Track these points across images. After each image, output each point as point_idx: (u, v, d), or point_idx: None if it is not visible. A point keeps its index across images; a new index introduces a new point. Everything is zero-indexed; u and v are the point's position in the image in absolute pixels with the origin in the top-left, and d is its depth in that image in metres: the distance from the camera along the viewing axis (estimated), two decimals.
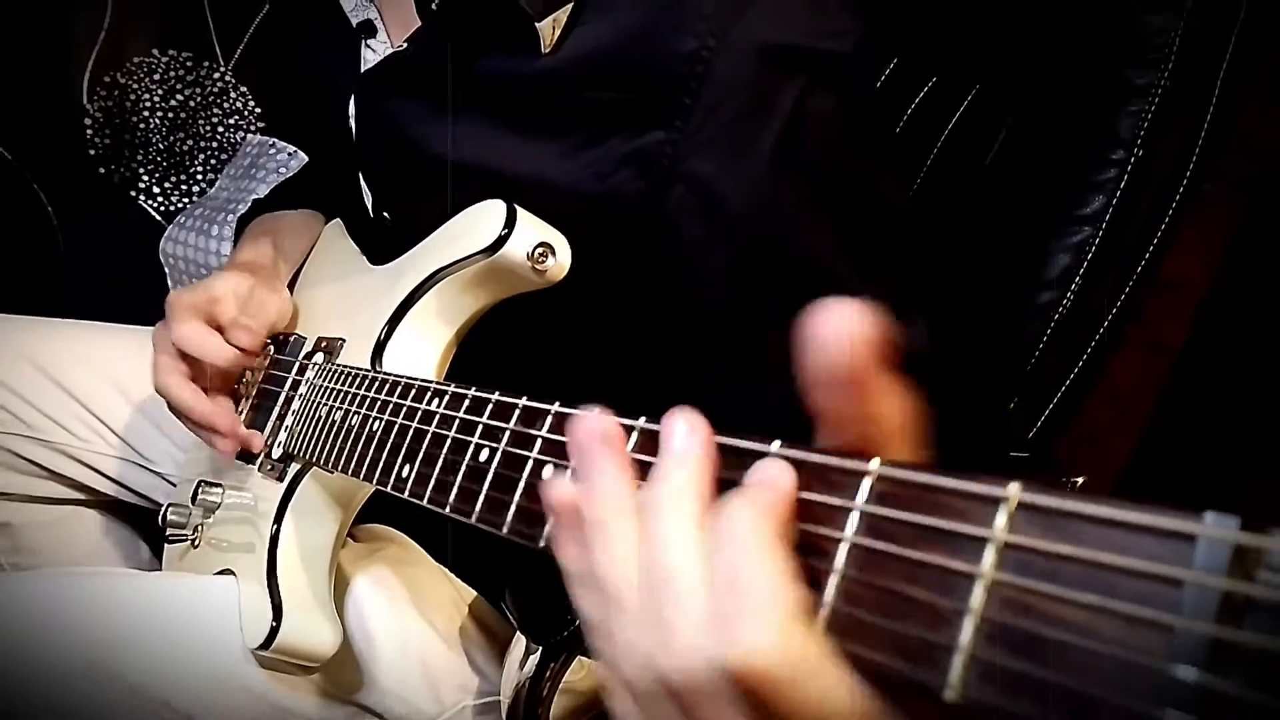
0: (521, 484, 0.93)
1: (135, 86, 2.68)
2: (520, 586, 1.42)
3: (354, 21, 1.56)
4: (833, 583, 0.63)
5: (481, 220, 1.38)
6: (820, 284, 1.31)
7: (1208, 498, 0.49)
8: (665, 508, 0.69)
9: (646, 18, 1.25)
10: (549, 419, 0.93)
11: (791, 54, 1.22)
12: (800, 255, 1.29)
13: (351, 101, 1.61)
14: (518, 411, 0.98)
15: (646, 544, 0.69)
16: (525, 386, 0.99)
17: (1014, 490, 0.55)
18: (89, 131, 2.66)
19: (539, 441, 0.93)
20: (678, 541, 0.67)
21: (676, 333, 1.37)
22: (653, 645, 0.66)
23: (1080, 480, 1.50)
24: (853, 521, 0.63)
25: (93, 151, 2.68)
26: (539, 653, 1.40)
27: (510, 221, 1.34)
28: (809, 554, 0.65)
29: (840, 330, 0.63)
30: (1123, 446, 1.92)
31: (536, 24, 1.26)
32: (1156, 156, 1.57)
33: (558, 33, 1.28)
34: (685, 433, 0.72)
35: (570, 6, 1.28)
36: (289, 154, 2.65)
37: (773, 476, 0.67)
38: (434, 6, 1.39)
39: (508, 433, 0.99)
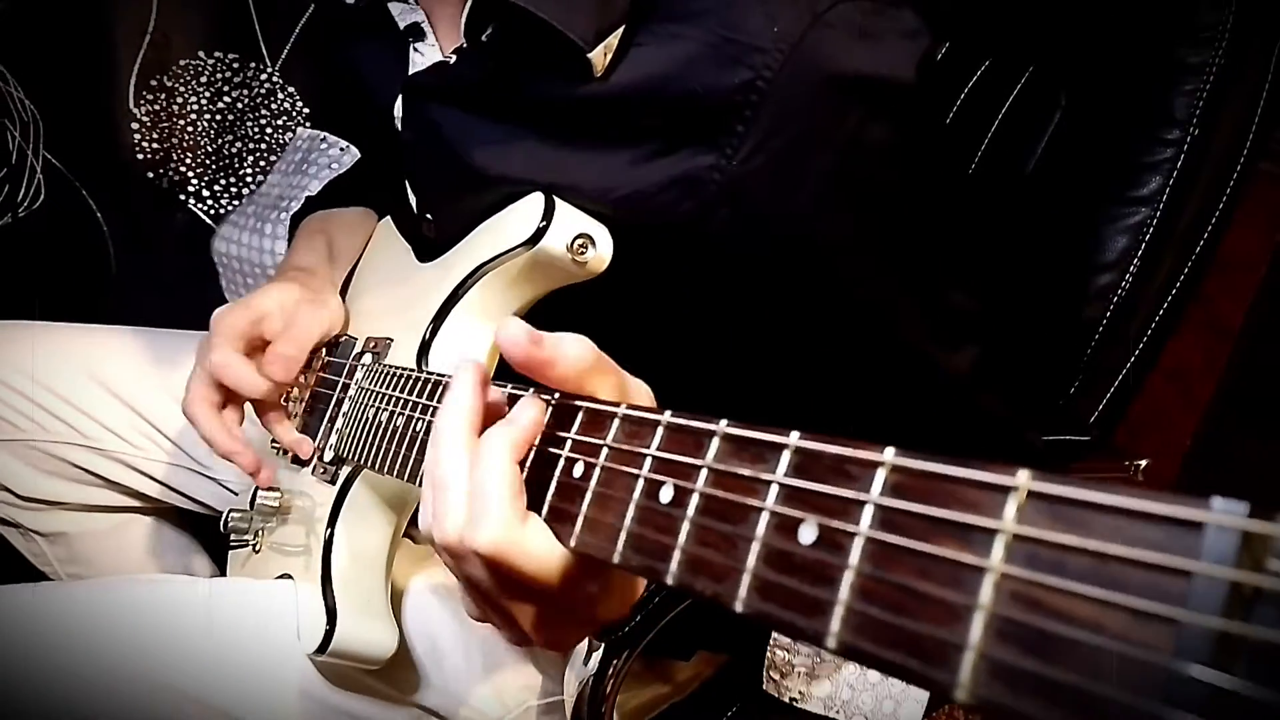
0: (554, 484, 0.93)
1: (182, 89, 2.69)
2: None
3: (401, 25, 1.55)
4: (847, 580, 0.62)
5: (521, 214, 1.38)
6: (860, 315, 1.31)
7: (1272, 479, 0.48)
8: (443, 433, 0.97)
9: (704, 47, 1.23)
10: (579, 416, 0.93)
11: (851, 84, 1.20)
12: (843, 284, 1.30)
13: (398, 104, 1.60)
14: (550, 410, 0.98)
15: (432, 456, 0.98)
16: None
17: (1024, 479, 0.54)
18: (136, 136, 2.67)
19: (569, 442, 0.93)
20: (447, 458, 0.96)
21: (716, 342, 1.37)
22: (437, 526, 0.96)
23: (1144, 463, 1.48)
24: (867, 515, 0.62)
25: (141, 156, 2.69)
26: (601, 650, 1.40)
27: (549, 213, 1.34)
28: (824, 550, 0.64)
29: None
30: (1186, 428, 1.90)
31: (589, 54, 1.26)
32: (1212, 136, 1.55)
33: (609, 58, 1.27)
34: (462, 382, 0.99)
35: (621, 31, 1.27)
36: (341, 149, 2.65)
37: (521, 414, 0.96)
38: (484, 39, 1.38)
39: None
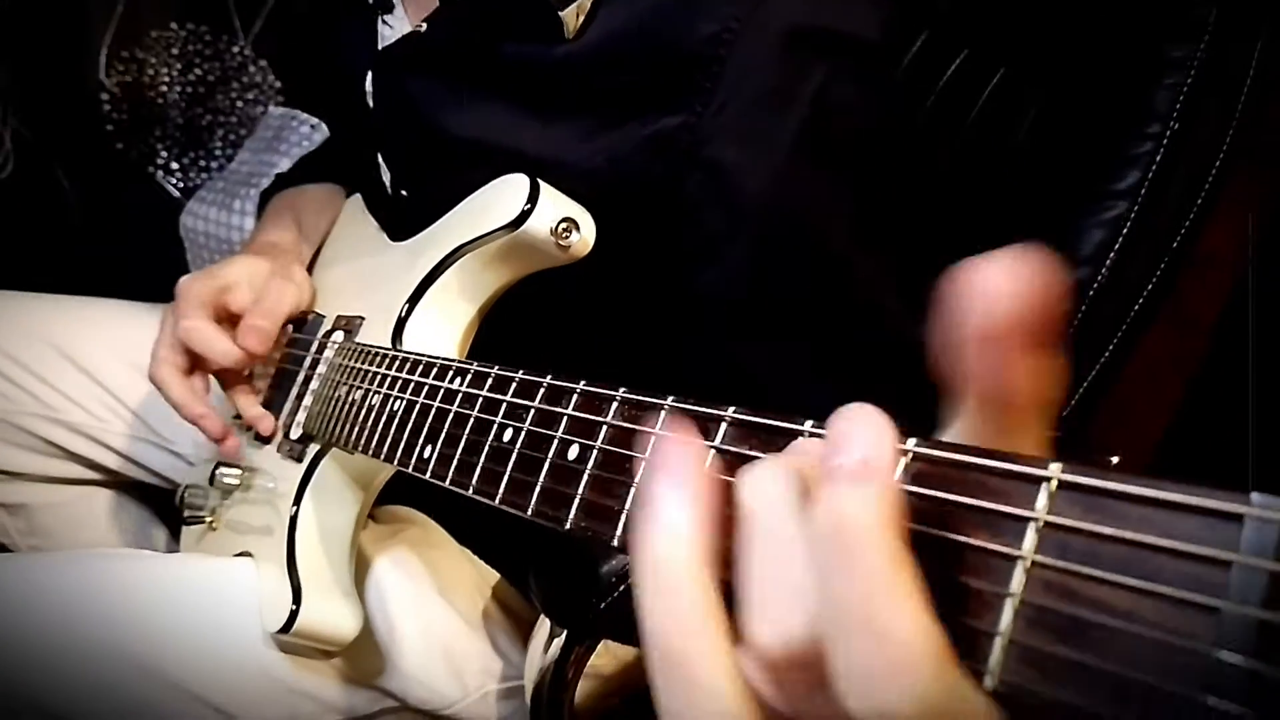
0: (546, 464, 0.92)
1: (153, 61, 2.68)
2: (544, 569, 1.42)
3: None
4: None
5: (504, 195, 1.36)
6: (838, 276, 1.30)
7: (1242, 476, 0.47)
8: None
9: (669, 1, 1.23)
10: (575, 397, 0.92)
11: (816, 38, 1.21)
12: (819, 247, 1.29)
13: (368, 78, 1.60)
14: (542, 390, 0.97)
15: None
16: (549, 364, 0.98)
17: (1055, 469, 0.53)
18: (106, 107, 2.66)
19: (565, 420, 0.92)
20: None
21: (696, 317, 1.36)
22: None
23: (1115, 459, 1.48)
24: None
25: (110, 127, 2.68)
26: (563, 636, 1.40)
27: (534, 196, 1.33)
28: None
29: (1017, 279, 0.53)
30: (1156, 424, 1.91)
31: (560, 13, 1.25)
32: (1193, 131, 1.55)
33: (581, 19, 1.27)
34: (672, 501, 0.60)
35: None
36: (311, 126, 2.65)
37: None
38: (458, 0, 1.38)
39: (533, 411, 0.97)
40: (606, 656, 1.60)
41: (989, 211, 1.42)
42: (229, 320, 1.65)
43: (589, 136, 1.32)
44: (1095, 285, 1.58)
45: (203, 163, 2.77)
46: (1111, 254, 1.57)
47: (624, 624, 1.40)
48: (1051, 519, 0.52)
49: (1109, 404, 1.62)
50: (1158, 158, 1.55)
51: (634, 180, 1.29)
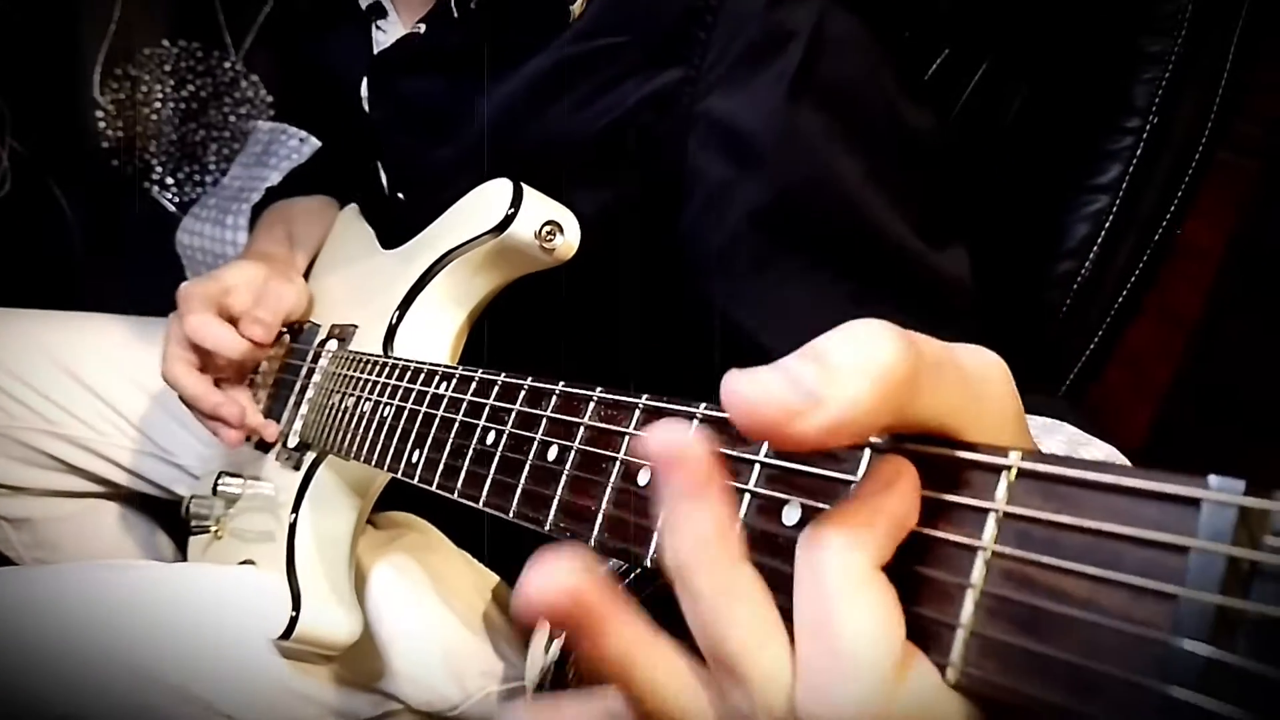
0: (527, 466, 0.92)
1: (147, 78, 2.69)
2: None
3: (363, 4, 1.55)
4: None
5: (488, 200, 1.37)
6: (851, 216, 1.28)
7: (1229, 465, 0.48)
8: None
9: None
10: (554, 398, 0.93)
11: None
12: (829, 187, 1.27)
13: (364, 84, 1.60)
14: (523, 392, 0.98)
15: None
16: (543, 367, 0.99)
17: (1014, 458, 0.54)
18: (101, 124, 2.67)
19: (544, 421, 0.93)
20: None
21: (698, 301, 1.36)
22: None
23: None
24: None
25: (105, 144, 2.69)
26: (562, 637, 1.40)
27: (517, 200, 1.33)
28: None
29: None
30: (1142, 414, 1.92)
31: (571, 5, 1.26)
32: (1172, 124, 1.56)
33: (586, 4, 1.28)
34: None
35: None
36: (300, 140, 2.65)
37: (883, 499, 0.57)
38: (472, 6, 1.38)
39: (514, 414, 0.98)
40: None
41: (975, 203, 1.43)
42: (232, 322, 1.66)
43: (589, 101, 1.31)
44: (1079, 278, 1.58)
45: (197, 177, 2.77)
46: (1095, 247, 1.58)
47: None
48: (1011, 509, 0.53)
49: (1094, 396, 1.63)
50: (1138, 151, 1.56)
51: (637, 139, 1.29)
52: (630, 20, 1.26)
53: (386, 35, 1.58)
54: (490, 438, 1.00)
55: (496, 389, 1.03)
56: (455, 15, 1.41)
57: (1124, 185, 1.57)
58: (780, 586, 0.60)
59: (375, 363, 1.37)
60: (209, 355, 1.65)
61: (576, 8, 1.27)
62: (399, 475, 1.19)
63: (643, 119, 1.27)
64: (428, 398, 1.17)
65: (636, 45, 1.26)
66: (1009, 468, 0.54)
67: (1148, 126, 1.56)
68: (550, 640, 1.41)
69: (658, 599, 1.36)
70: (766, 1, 1.20)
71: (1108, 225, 1.58)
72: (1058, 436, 1.25)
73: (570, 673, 1.40)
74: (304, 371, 1.66)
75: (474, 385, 1.07)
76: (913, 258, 1.29)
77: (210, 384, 1.67)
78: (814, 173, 1.26)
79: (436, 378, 1.17)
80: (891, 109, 1.30)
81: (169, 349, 1.67)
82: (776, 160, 1.26)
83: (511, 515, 0.93)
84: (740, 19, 1.20)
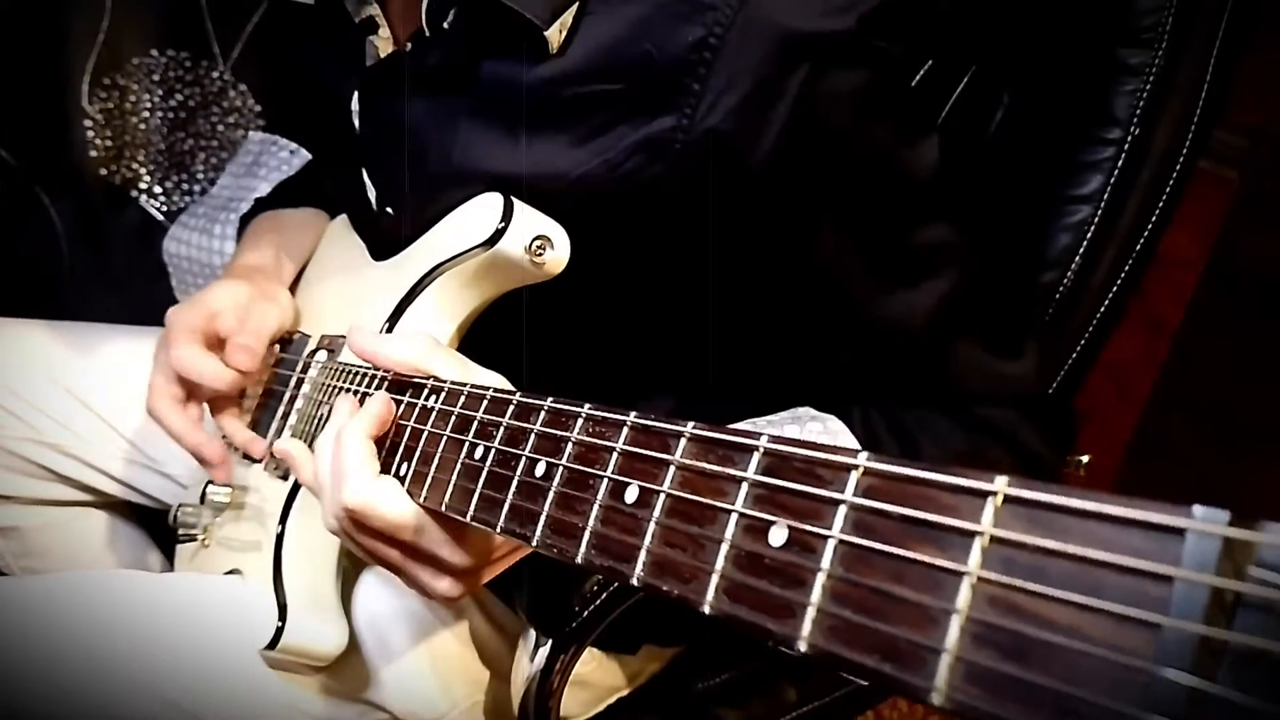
0: (515, 481, 0.93)
1: (135, 87, 2.68)
2: (529, 580, 1.43)
3: (355, 19, 1.55)
4: (819, 582, 0.62)
5: (479, 214, 1.37)
6: (823, 279, 1.32)
7: (1212, 473, 0.49)
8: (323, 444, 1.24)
9: (654, 8, 1.23)
10: (543, 414, 0.93)
11: (797, 39, 1.21)
12: (805, 241, 1.29)
13: (355, 97, 1.61)
14: (512, 406, 0.98)
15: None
16: (531, 382, 0.99)
17: (1001, 483, 0.54)
18: (89, 133, 2.66)
19: (532, 437, 0.93)
20: (323, 448, 1.24)
21: (694, 313, 1.38)
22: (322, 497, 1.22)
23: (1086, 458, 1.50)
24: (840, 518, 0.62)
25: (94, 153, 2.68)
26: (548, 645, 1.41)
27: (507, 214, 1.33)
28: (795, 552, 0.64)
29: None
30: (1126, 423, 1.92)
31: (545, 32, 1.26)
32: (1153, 135, 1.57)
33: (564, 34, 1.28)
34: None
35: (575, 6, 1.28)
36: (290, 151, 2.65)
37: (369, 408, 1.22)
38: (445, 26, 1.39)
39: (502, 428, 0.99)
40: (592, 664, 1.62)
41: (961, 210, 1.43)
42: (219, 345, 1.67)
43: (579, 143, 1.30)
44: (1061, 288, 1.59)
45: (185, 186, 2.76)
46: (1077, 258, 1.59)
47: (608, 631, 1.41)
48: (997, 533, 0.53)
49: (1078, 404, 1.63)
50: (1119, 163, 1.57)
51: (630, 180, 1.28)
52: (624, 68, 1.26)
53: (380, 50, 1.58)
54: (479, 452, 1.01)
55: (485, 403, 1.03)
56: (427, 34, 1.42)
57: (1105, 196, 1.58)
58: (765, 606, 0.61)
59: (363, 374, 1.37)
60: (195, 384, 1.66)
61: (551, 35, 1.27)
62: None
63: (633, 162, 1.28)
64: (416, 410, 1.18)
65: (630, 93, 1.26)
66: (995, 493, 0.54)
67: (1129, 138, 1.57)
68: (535, 648, 1.42)
69: (639, 608, 1.37)
70: (760, 60, 1.21)
71: (1089, 236, 1.59)
72: (809, 425, 1.33)
73: (555, 680, 1.41)
74: (293, 382, 1.67)
75: (463, 399, 1.08)
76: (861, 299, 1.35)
77: (194, 422, 1.69)
78: (793, 223, 1.30)
79: (425, 391, 1.18)
80: (885, 160, 1.31)
81: (154, 381, 1.68)
82: (761, 210, 1.28)
83: (499, 530, 0.93)
84: (736, 73, 1.20)
